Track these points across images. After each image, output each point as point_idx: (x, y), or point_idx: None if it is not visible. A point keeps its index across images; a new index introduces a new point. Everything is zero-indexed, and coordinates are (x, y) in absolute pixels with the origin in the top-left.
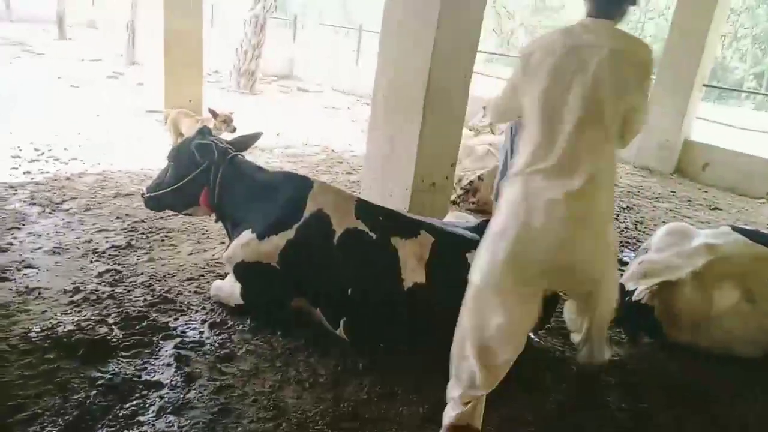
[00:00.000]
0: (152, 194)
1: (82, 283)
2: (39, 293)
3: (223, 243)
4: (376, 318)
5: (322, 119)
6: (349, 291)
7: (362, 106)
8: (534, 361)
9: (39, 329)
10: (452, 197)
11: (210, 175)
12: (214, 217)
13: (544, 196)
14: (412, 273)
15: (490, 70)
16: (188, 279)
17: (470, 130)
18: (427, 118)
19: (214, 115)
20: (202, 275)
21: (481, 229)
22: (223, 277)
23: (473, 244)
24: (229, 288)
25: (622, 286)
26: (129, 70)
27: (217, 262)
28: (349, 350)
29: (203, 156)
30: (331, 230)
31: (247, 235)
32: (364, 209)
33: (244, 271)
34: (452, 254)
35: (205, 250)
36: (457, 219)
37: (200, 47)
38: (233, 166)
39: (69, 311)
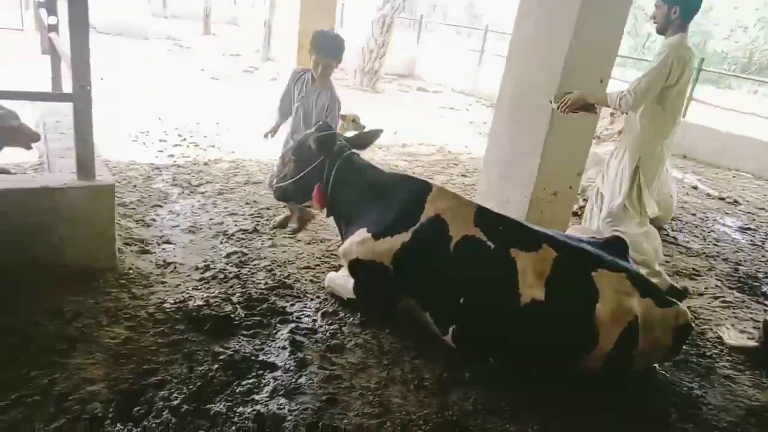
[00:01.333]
0: (278, 185)
1: (212, 261)
2: (175, 267)
3: (338, 236)
4: (488, 330)
5: (439, 119)
6: (462, 299)
7: (482, 108)
8: (661, 396)
9: (173, 301)
10: (574, 208)
11: (324, 171)
12: (325, 212)
13: None
14: (530, 288)
15: (622, 75)
16: (305, 267)
17: (594, 138)
18: (555, 123)
19: (342, 116)
20: (318, 265)
21: (611, 245)
22: (337, 268)
23: (601, 263)
24: (342, 281)
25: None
26: (264, 66)
27: (332, 254)
28: (456, 358)
29: (318, 152)
30: (448, 236)
31: (362, 233)
32: (484, 217)
33: (357, 267)
34: (576, 273)
35: (322, 241)
36: (583, 233)
37: None
38: (349, 163)
39: (199, 287)
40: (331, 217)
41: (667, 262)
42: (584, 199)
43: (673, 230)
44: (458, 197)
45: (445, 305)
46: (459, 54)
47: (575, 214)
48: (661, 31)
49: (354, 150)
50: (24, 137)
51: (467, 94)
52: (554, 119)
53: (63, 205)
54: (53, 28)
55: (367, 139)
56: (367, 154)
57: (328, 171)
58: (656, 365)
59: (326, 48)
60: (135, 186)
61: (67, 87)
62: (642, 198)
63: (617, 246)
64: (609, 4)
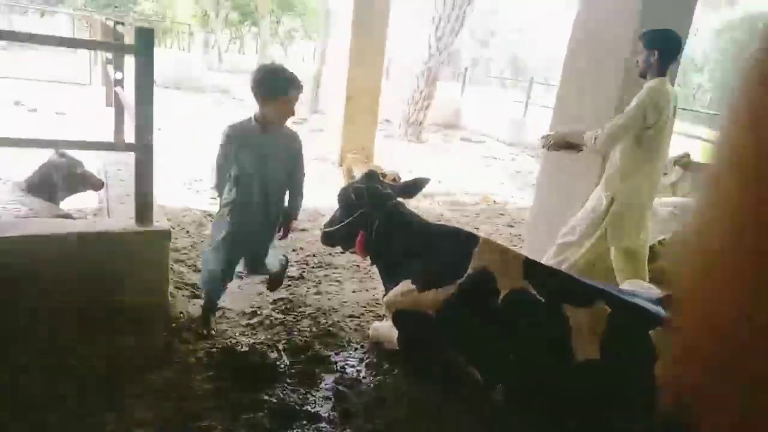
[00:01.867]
0: (325, 230)
1: (259, 307)
2: (223, 313)
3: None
4: (539, 390)
5: (484, 169)
6: (510, 356)
7: (527, 158)
8: None
9: (220, 346)
10: None
11: (368, 219)
12: (368, 260)
13: None
14: (584, 346)
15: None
16: (350, 315)
17: None
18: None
19: (383, 175)
20: (363, 314)
21: (666, 304)
22: (382, 318)
23: (658, 320)
24: (387, 331)
25: None
26: (312, 117)
27: (377, 303)
28: (507, 414)
29: (358, 199)
30: (496, 289)
31: (407, 284)
32: (533, 270)
33: (402, 319)
34: (633, 330)
35: (367, 290)
36: (638, 287)
37: (377, 98)
38: (393, 213)
39: (246, 332)
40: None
41: None
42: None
43: None
44: (506, 249)
45: (492, 362)
46: (503, 105)
47: None
48: (642, 74)
49: (399, 199)
50: (89, 184)
51: (510, 144)
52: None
53: (121, 250)
54: (119, 82)
55: (413, 187)
56: (411, 203)
57: (372, 219)
58: None
59: (293, 82)
60: (188, 231)
61: (129, 137)
62: (623, 224)
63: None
64: None
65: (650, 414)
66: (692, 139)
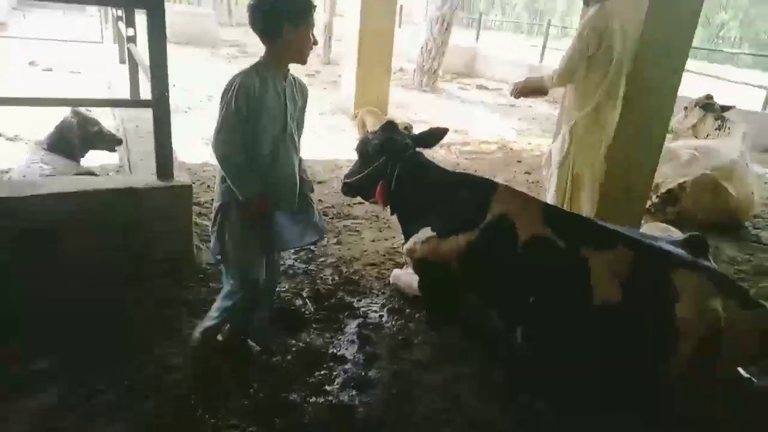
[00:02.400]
0: (345, 181)
1: (281, 258)
2: None
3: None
4: (558, 332)
5: (500, 117)
6: (531, 299)
7: (545, 104)
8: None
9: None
10: (647, 205)
11: (387, 169)
12: (389, 209)
13: None
14: (605, 289)
15: (695, 66)
16: (371, 264)
17: (669, 132)
18: (625, 118)
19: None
20: (383, 262)
21: (691, 244)
22: (401, 266)
23: (682, 263)
24: (407, 278)
25: None
26: (325, 69)
27: (396, 251)
28: (525, 357)
29: (381, 151)
30: (516, 235)
31: (427, 232)
32: (553, 215)
33: (422, 266)
34: (654, 273)
35: (386, 239)
36: (660, 232)
37: (390, 47)
38: (412, 162)
39: None
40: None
41: (749, 260)
42: (657, 196)
43: (755, 228)
44: (525, 195)
45: (512, 305)
46: (519, 50)
47: (648, 211)
48: (585, 2)
49: (418, 149)
50: (106, 141)
51: None
52: (624, 113)
53: (146, 205)
54: (131, 39)
55: (431, 137)
56: (427, 153)
57: (392, 169)
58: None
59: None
60: (209, 186)
61: (144, 94)
62: (584, 150)
63: (697, 244)
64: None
65: (671, 355)
66: (717, 80)
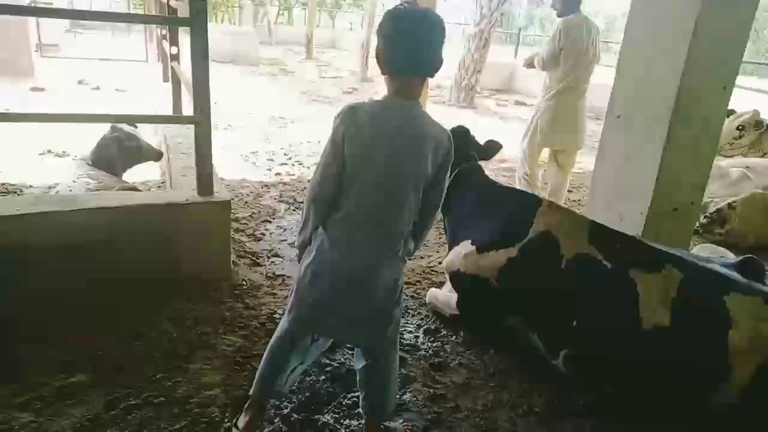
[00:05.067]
0: None
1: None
2: (283, 280)
3: (438, 252)
4: (605, 357)
5: None
6: (575, 322)
7: (586, 121)
8: None
9: (282, 312)
10: (696, 225)
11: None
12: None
13: None
14: (653, 313)
15: (745, 82)
16: (406, 283)
17: (719, 151)
18: (673, 134)
19: None
20: (419, 281)
21: (745, 267)
22: (438, 285)
23: (734, 286)
24: (445, 297)
25: None
26: (363, 86)
27: (432, 270)
28: (568, 384)
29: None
30: (559, 254)
31: (467, 246)
32: (599, 234)
33: (461, 281)
34: (705, 296)
35: (422, 257)
36: (711, 253)
37: None
38: (470, 172)
39: None
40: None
41: None
42: (705, 216)
43: None
44: (571, 212)
45: (555, 327)
46: None
47: (697, 232)
48: (559, 15)
49: (477, 160)
50: (147, 155)
51: None
52: (672, 129)
53: (185, 220)
54: (174, 57)
55: (491, 149)
56: None
57: (450, 176)
58: None
59: None
60: (246, 202)
61: (187, 111)
62: (533, 137)
63: (752, 267)
64: (732, 3)
65: (724, 384)
66: (765, 94)
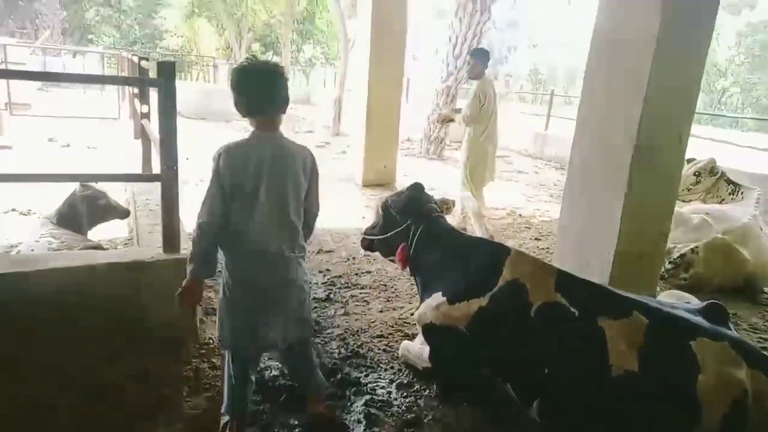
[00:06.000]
0: (365, 236)
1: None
2: None
3: (410, 303)
4: (577, 404)
5: (507, 183)
6: (546, 370)
7: (551, 170)
8: None
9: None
10: (661, 271)
11: (410, 232)
12: (408, 272)
13: None
14: (622, 359)
15: (700, 131)
16: (378, 336)
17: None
18: (634, 182)
19: (444, 201)
20: (391, 333)
21: (710, 312)
22: (410, 337)
23: (700, 331)
24: (417, 349)
25: None
26: (334, 140)
27: (405, 322)
28: None
29: (405, 213)
30: (528, 302)
31: (438, 297)
32: (566, 282)
33: (433, 333)
34: (673, 342)
35: (394, 309)
36: (677, 299)
37: (397, 118)
38: (433, 227)
39: (273, 356)
40: (408, 283)
41: None
42: (670, 261)
43: None
44: (538, 261)
45: (527, 376)
46: (524, 119)
47: (662, 277)
48: (471, 77)
49: (440, 214)
50: (114, 213)
51: (534, 157)
52: (633, 178)
53: (149, 277)
54: (145, 115)
55: (450, 203)
56: None
57: (414, 233)
58: None
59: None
60: None
61: (156, 168)
62: (474, 177)
63: (716, 312)
64: (682, 60)
65: (697, 427)
66: (720, 143)
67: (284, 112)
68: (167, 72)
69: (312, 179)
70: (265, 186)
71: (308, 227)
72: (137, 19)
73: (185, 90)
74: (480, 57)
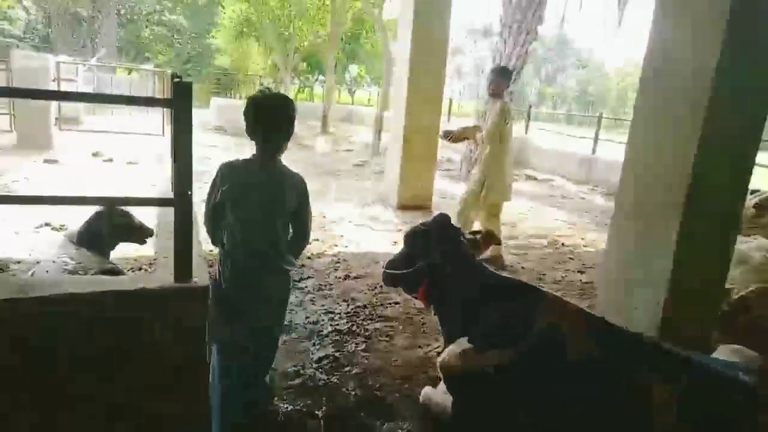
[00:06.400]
0: (387, 271)
1: (302, 366)
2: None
3: (437, 341)
4: None
5: (551, 209)
6: (585, 427)
7: (597, 196)
8: None
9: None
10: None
11: (434, 267)
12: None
13: None
14: (663, 416)
15: (763, 158)
16: (401, 377)
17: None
18: (689, 216)
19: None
20: (415, 374)
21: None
22: (435, 380)
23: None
24: (440, 399)
25: None
26: (373, 160)
27: (431, 361)
28: None
29: (425, 249)
30: (564, 353)
31: (463, 343)
32: (606, 333)
33: (457, 383)
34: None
35: (419, 347)
36: (736, 356)
37: (436, 138)
38: (461, 264)
39: (285, 397)
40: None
41: None
42: (728, 304)
43: None
44: (576, 308)
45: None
46: (571, 141)
47: (719, 323)
48: (493, 96)
49: (471, 250)
50: (137, 233)
51: (580, 182)
52: (688, 210)
53: (158, 306)
54: None
55: (485, 241)
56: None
57: (438, 270)
58: None
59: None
60: None
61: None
62: (491, 194)
63: None
64: (746, 91)
65: None
66: None
67: (287, 140)
68: (184, 93)
69: (302, 203)
70: (250, 203)
71: (297, 247)
72: (190, 39)
73: (232, 108)
74: (502, 75)
